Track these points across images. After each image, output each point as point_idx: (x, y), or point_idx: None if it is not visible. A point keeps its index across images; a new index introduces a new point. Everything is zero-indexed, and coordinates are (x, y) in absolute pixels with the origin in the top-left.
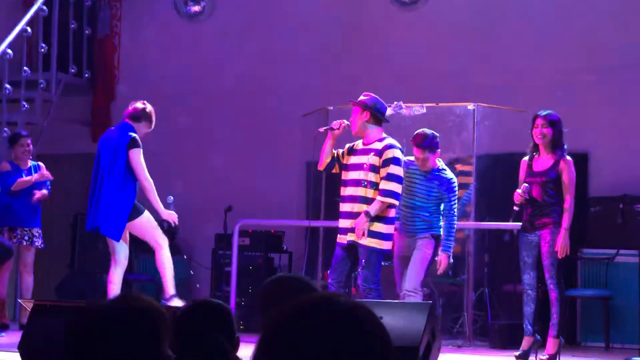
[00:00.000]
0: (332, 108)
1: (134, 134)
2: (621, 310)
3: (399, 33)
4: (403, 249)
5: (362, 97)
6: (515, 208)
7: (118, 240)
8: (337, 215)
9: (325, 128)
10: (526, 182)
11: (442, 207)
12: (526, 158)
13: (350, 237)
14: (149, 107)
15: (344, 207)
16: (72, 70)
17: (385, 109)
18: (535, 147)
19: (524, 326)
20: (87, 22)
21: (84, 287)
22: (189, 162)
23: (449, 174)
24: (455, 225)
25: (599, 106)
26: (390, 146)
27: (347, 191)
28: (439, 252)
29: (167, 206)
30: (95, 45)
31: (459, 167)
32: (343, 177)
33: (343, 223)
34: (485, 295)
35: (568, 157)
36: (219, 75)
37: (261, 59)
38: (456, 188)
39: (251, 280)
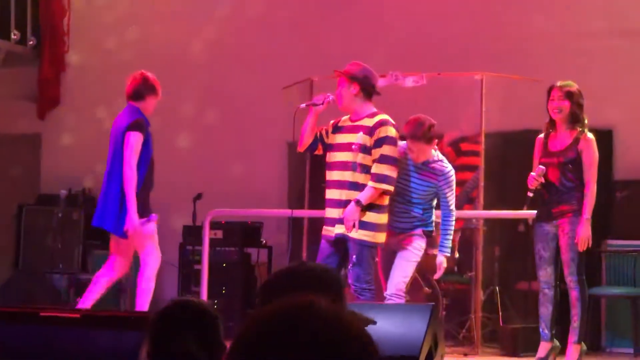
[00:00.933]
0: (317, 79)
1: (138, 118)
2: None
3: None
4: (390, 245)
5: (349, 67)
6: (529, 194)
7: (119, 235)
8: (323, 203)
9: (307, 104)
10: (542, 164)
11: (435, 202)
12: (542, 135)
13: (339, 229)
14: (147, 75)
15: (331, 194)
16: (14, 37)
17: (377, 80)
18: (552, 123)
19: (540, 330)
20: None
21: (31, 288)
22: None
23: (445, 165)
24: (453, 223)
25: (625, 76)
26: (383, 123)
27: (333, 175)
28: (437, 254)
29: None
30: (42, 7)
31: (464, 146)
32: (328, 160)
33: (330, 213)
34: (495, 295)
35: (589, 135)
36: (184, 43)
37: (233, 23)
38: (453, 181)
39: (225, 280)
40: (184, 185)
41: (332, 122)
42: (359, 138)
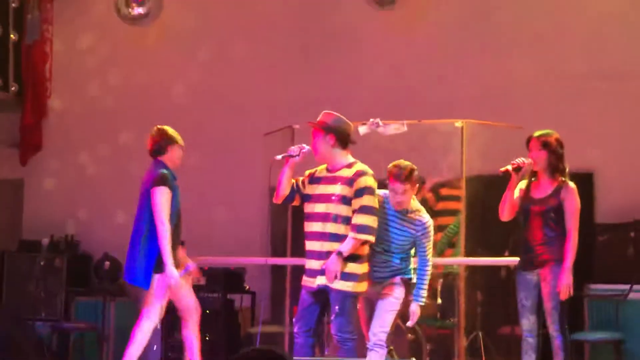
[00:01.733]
0: (298, 126)
1: (163, 171)
2: (636, 355)
3: (374, 39)
4: (370, 294)
5: (323, 118)
6: (503, 170)
7: (146, 288)
8: (305, 250)
9: (283, 155)
10: (524, 212)
11: (413, 251)
12: (523, 182)
13: (321, 280)
14: (164, 128)
15: (311, 245)
16: None
17: (351, 128)
18: (534, 172)
19: None
20: (14, 26)
21: (14, 335)
22: (134, 187)
23: (424, 215)
24: (429, 272)
25: (605, 118)
26: (362, 173)
27: (313, 227)
28: (411, 302)
29: None
30: (24, 53)
31: (444, 191)
32: (307, 210)
33: (311, 264)
34: (478, 340)
35: (571, 184)
36: (167, 88)
37: (216, 70)
38: (431, 232)
39: (208, 326)
40: None
41: (307, 172)
42: (338, 189)
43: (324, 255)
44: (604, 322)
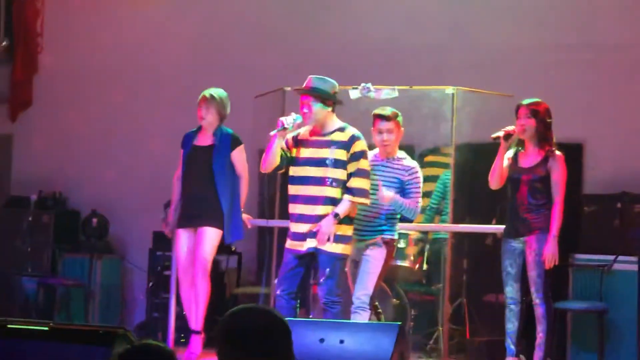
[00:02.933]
0: (289, 89)
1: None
2: (618, 325)
3: (368, 4)
4: (353, 253)
5: (317, 83)
6: (500, 133)
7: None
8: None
9: (277, 130)
10: (511, 180)
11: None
12: (511, 152)
13: (311, 243)
14: None
15: (301, 208)
16: None
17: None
18: (521, 141)
19: (507, 345)
20: None
21: (0, 290)
22: (123, 146)
23: (410, 162)
24: (415, 214)
25: (595, 90)
26: (358, 137)
27: (304, 190)
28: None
29: None
30: (15, 9)
31: (430, 157)
32: (294, 174)
33: (298, 227)
34: (463, 307)
35: (558, 152)
36: (159, 47)
37: (207, 31)
38: (420, 177)
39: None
40: (154, 190)
41: (290, 136)
42: (332, 153)
43: (316, 219)
44: (588, 292)
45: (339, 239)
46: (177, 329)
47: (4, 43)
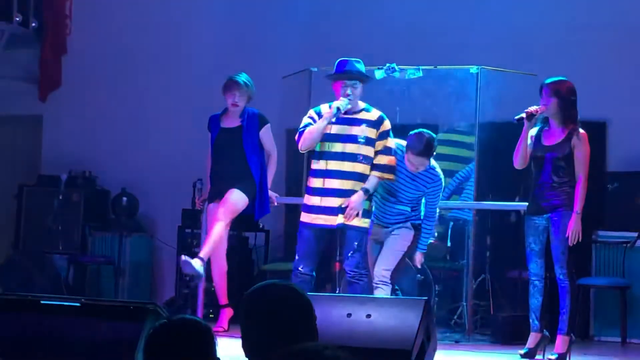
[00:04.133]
0: (315, 69)
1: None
2: None
3: None
4: (379, 237)
5: (354, 67)
6: (523, 115)
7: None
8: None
9: (334, 115)
10: (535, 158)
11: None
12: (534, 130)
13: (341, 219)
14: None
15: (331, 183)
16: (17, 19)
17: None
18: (545, 119)
19: (530, 321)
20: None
21: (31, 270)
22: (152, 126)
23: (437, 173)
24: (433, 225)
25: (619, 68)
26: (384, 117)
27: (334, 165)
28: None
29: None
30: None
31: (455, 137)
32: (323, 149)
33: (328, 202)
34: (487, 283)
35: (582, 131)
36: (186, 28)
37: (236, 10)
38: (441, 189)
39: None
40: (183, 169)
41: (313, 112)
42: (363, 131)
43: (346, 194)
44: (611, 268)
45: (365, 214)
46: (206, 305)
47: (33, 24)
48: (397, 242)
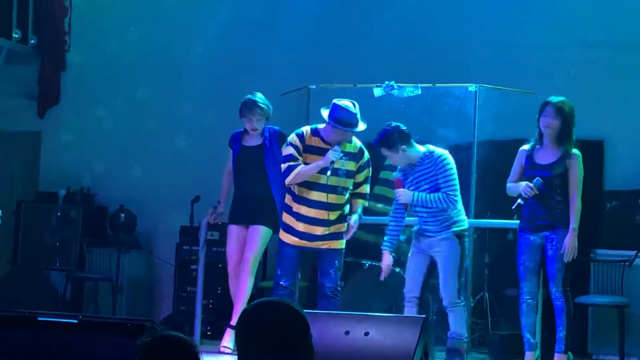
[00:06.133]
0: (314, 87)
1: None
2: (638, 319)
3: (391, 3)
4: (422, 247)
5: (349, 118)
6: (520, 201)
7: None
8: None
9: (330, 166)
10: (530, 177)
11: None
12: (526, 147)
13: (325, 244)
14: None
15: (314, 212)
16: (16, 36)
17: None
18: (540, 137)
19: (525, 339)
20: None
21: (29, 286)
22: (150, 142)
23: (437, 154)
24: (446, 202)
25: (617, 87)
26: (364, 148)
27: (317, 196)
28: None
29: None
30: (43, 7)
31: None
32: (309, 179)
33: (312, 229)
34: (485, 301)
35: (576, 151)
36: (185, 45)
37: (235, 28)
38: (448, 165)
39: (220, 280)
40: (181, 185)
41: (296, 142)
42: (344, 164)
43: (327, 223)
44: (609, 287)
45: (342, 235)
46: (204, 322)
47: (32, 41)
48: (448, 264)
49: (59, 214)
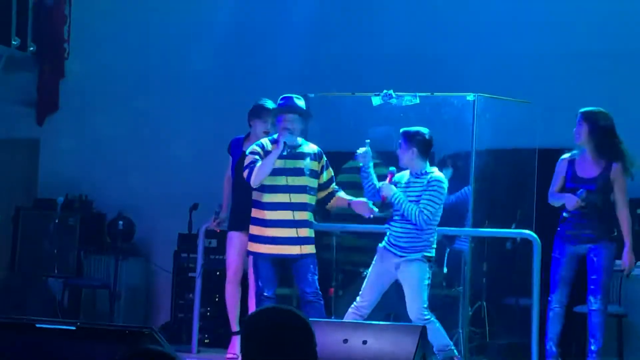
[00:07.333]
0: (313, 95)
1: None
2: (637, 330)
3: (389, 11)
4: (389, 265)
5: (297, 101)
6: (566, 215)
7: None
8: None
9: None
10: (572, 190)
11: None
12: (566, 156)
13: (296, 249)
14: (259, 102)
15: (282, 215)
16: (15, 43)
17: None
18: (580, 148)
19: (547, 348)
20: None
21: (26, 292)
22: (148, 150)
23: (437, 174)
24: (411, 213)
25: (617, 95)
26: (321, 150)
27: (283, 198)
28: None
29: None
30: (42, 15)
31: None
32: (272, 182)
33: (282, 232)
34: (483, 310)
35: (615, 163)
36: (184, 52)
37: (234, 36)
38: (436, 187)
39: (218, 288)
40: (180, 193)
41: (257, 149)
42: (308, 164)
43: (297, 224)
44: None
45: (313, 240)
46: (202, 330)
47: (31, 48)
48: (415, 286)
49: (57, 220)
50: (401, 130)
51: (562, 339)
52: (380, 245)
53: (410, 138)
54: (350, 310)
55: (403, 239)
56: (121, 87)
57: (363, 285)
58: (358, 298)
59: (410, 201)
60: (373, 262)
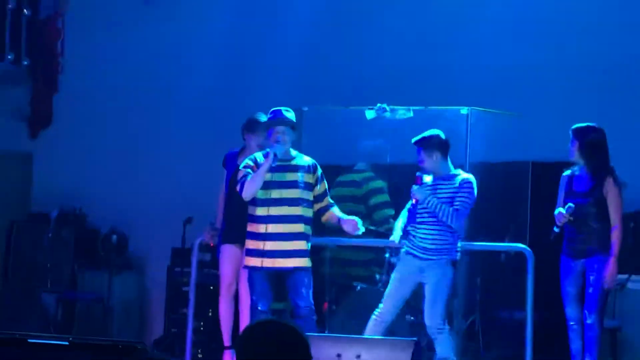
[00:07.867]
0: (307, 109)
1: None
2: (631, 343)
3: (381, 25)
4: (413, 268)
5: (285, 114)
6: (556, 229)
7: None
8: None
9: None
10: (567, 202)
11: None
12: (567, 173)
13: (290, 262)
14: (253, 115)
15: (278, 228)
16: (9, 57)
17: None
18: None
19: None
20: (27, 1)
21: (20, 306)
22: (142, 164)
23: (466, 175)
24: (447, 217)
25: (611, 108)
26: (316, 162)
27: (276, 211)
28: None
29: None
30: (36, 29)
31: (355, 177)
32: (265, 196)
33: (278, 245)
34: (476, 324)
35: (609, 177)
36: (178, 66)
37: (227, 49)
38: (467, 187)
39: (212, 302)
40: (173, 207)
41: (249, 162)
42: (302, 177)
43: (292, 237)
44: None
45: (308, 253)
46: (195, 344)
47: (25, 62)
48: (439, 291)
49: (50, 234)
50: (413, 140)
51: (556, 350)
52: (402, 250)
53: (429, 144)
54: (372, 316)
55: (429, 241)
56: (115, 101)
57: (385, 292)
58: (380, 305)
59: (443, 200)
60: (395, 268)
